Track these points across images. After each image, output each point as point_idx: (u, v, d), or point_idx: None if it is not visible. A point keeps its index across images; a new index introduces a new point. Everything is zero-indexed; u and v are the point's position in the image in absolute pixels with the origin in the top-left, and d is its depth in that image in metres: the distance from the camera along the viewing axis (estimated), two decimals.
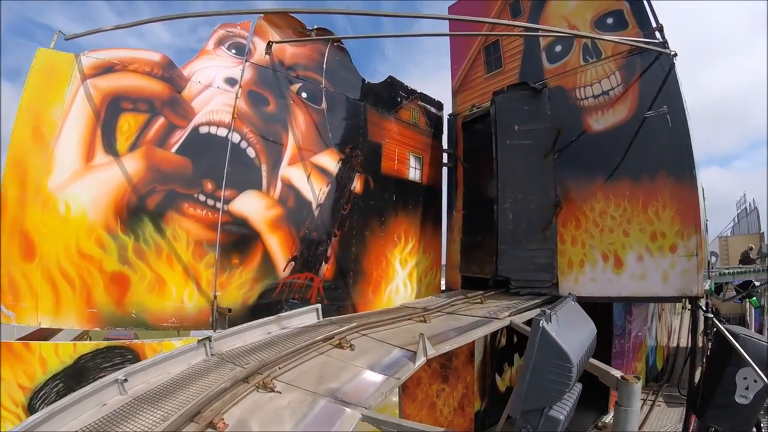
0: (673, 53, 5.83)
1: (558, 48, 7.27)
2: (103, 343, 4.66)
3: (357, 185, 7.48)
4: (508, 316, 5.63)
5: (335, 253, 6.99)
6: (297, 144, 6.53)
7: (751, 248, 15.30)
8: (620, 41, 5.68)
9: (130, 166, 5.06)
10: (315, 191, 6.77)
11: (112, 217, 4.90)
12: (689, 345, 8.03)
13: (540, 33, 5.75)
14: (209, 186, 5.56)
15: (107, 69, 5.04)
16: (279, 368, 3.79)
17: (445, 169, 9.39)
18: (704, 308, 5.74)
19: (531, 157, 7.51)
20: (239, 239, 5.75)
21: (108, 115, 4.99)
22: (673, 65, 5.85)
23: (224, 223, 5.57)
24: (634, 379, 3.70)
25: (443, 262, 9.29)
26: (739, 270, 11.92)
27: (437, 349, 4.29)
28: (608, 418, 7.73)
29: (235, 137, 5.84)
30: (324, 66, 7.10)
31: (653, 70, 6.04)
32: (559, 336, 3.09)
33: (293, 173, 6.47)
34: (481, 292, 7.35)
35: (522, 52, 7.91)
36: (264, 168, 6.11)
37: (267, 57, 6.35)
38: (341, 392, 3.41)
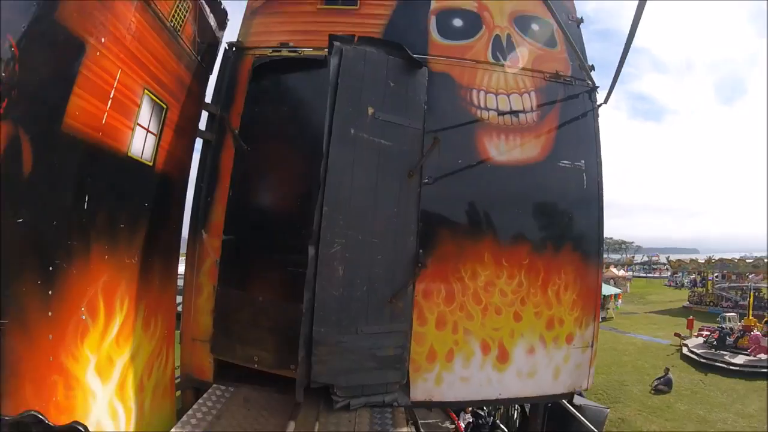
0: (600, 103, 4.72)
1: (458, 22, 4.78)
2: None
3: None
4: None
5: None
6: None
7: None
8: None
9: None
10: None
11: None
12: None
13: None
14: None
15: None
16: None
17: (198, 144, 4.62)
18: None
19: (387, 169, 4.38)
20: None
21: None
22: (596, 111, 4.74)
23: None
24: None
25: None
26: None
27: None
28: None
29: None
30: None
31: (574, 108, 4.70)
32: None
33: None
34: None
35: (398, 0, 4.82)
36: None
37: None
38: None
